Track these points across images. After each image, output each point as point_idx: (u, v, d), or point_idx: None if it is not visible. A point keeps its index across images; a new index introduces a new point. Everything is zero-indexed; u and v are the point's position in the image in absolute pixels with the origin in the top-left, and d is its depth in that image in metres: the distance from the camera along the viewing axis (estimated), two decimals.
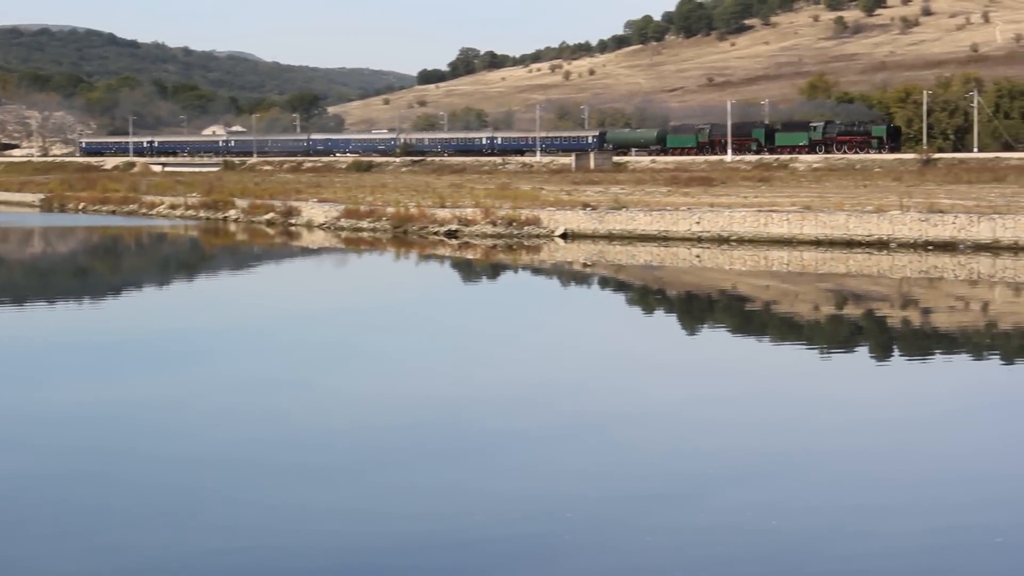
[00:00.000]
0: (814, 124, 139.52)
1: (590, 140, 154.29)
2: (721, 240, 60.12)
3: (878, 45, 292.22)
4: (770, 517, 18.09)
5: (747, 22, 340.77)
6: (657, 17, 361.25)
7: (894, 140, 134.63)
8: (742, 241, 59.45)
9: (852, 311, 43.44)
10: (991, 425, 24.51)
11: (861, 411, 25.53)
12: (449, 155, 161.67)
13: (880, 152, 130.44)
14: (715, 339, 38.09)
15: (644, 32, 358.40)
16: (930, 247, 55.07)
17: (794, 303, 44.99)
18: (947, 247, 54.84)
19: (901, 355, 34.35)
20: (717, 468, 20.82)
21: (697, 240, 60.69)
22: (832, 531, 17.65)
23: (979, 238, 54.83)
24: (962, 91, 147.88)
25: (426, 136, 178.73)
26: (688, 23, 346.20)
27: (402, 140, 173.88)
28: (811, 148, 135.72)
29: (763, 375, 30.37)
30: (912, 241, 55.89)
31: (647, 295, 48.76)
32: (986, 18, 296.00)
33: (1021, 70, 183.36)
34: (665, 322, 42.07)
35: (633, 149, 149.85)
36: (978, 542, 17.18)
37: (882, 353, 34.55)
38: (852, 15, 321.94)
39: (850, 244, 56.89)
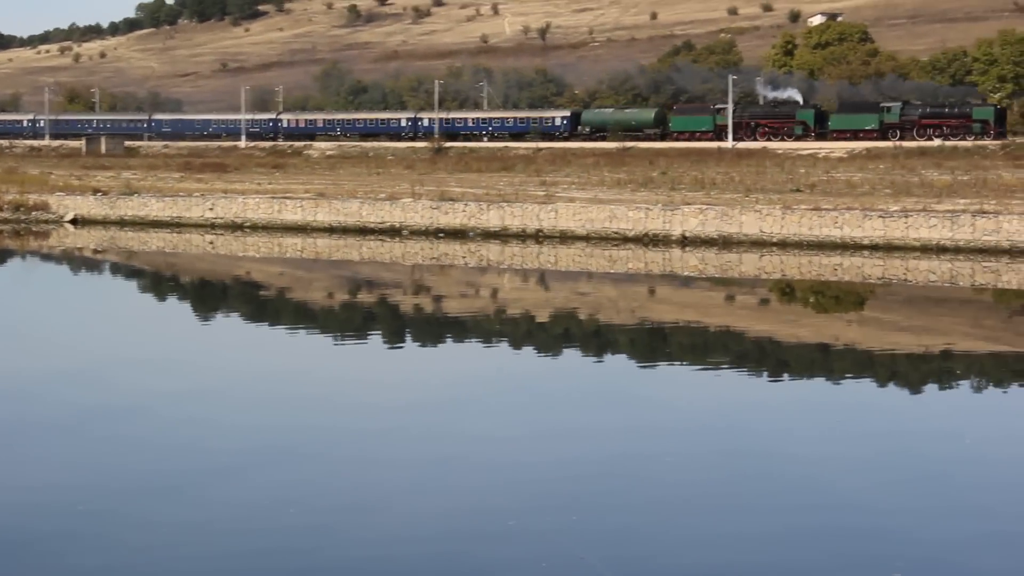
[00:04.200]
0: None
1: (558, 122, 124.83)
2: (235, 227, 59.59)
3: (391, 34, 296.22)
4: (279, 509, 18.00)
5: (261, 8, 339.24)
6: (170, 1, 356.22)
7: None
8: (256, 228, 59.08)
9: (365, 297, 43.77)
10: (495, 407, 25.07)
11: (372, 394, 25.71)
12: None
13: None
14: (227, 326, 37.69)
15: (157, 16, 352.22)
16: (441, 234, 56.03)
17: (308, 290, 44.99)
18: (458, 234, 55.90)
19: (414, 341, 34.78)
20: (205, 463, 20.59)
21: (211, 226, 59.96)
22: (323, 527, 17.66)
23: (488, 226, 56.13)
24: (472, 80, 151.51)
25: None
26: (202, 8, 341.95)
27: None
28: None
29: (274, 360, 30.19)
30: (424, 228, 56.73)
31: (159, 281, 47.86)
32: (495, 10, 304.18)
33: (528, 61, 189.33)
34: (177, 309, 41.37)
35: (612, 133, 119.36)
36: (490, 528, 17.50)
37: (394, 338, 34.91)
38: (365, 4, 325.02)
39: (364, 231, 57.28)
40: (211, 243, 56.56)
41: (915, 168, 76.12)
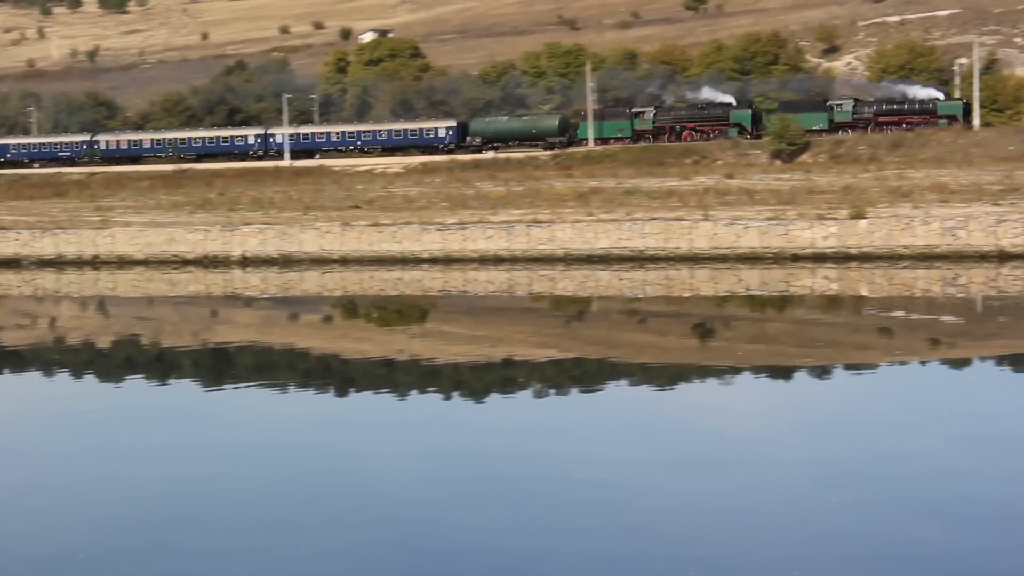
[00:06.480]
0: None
1: (443, 133, 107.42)
2: None
3: None
4: None
5: None
6: None
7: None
8: None
9: None
10: (54, 433, 24.49)
11: None
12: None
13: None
14: None
15: None
16: None
17: None
18: (12, 264, 54.25)
19: None
20: None
21: None
22: None
23: (43, 254, 54.69)
24: (20, 106, 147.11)
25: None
26: None
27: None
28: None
29: None
30: None
31: None
32: (41, 33, 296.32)
33: (78, 84, 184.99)
34: None
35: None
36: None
37: None
38: None
39: None
40: None
41: (470, 181, 77.54)
